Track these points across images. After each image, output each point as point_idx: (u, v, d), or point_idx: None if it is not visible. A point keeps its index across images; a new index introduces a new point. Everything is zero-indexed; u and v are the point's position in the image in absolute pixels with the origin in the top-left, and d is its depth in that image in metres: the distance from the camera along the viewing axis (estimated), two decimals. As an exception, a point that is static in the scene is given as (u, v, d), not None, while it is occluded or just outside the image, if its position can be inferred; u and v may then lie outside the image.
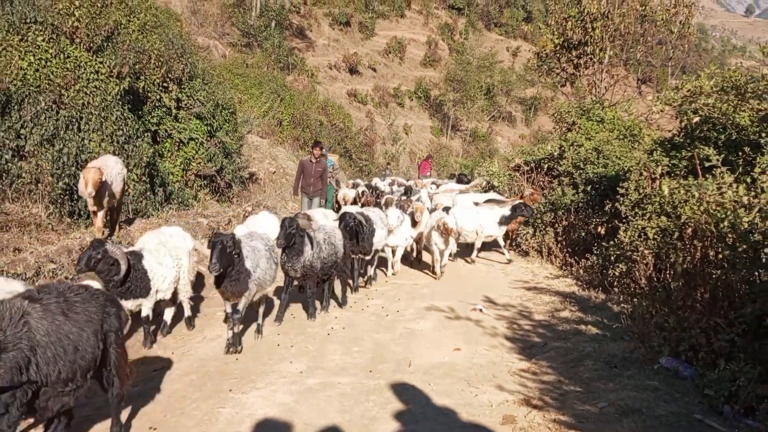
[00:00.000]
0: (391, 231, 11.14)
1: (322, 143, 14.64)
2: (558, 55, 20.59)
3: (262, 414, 5.42)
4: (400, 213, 11.42)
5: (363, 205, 17.05)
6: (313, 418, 5.32)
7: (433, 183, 20.63)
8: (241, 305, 7.01)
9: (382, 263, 11.90)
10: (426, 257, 12.55)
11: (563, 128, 16.95)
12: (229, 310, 7.12)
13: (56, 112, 10.86)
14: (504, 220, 12.61)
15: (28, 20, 11.23)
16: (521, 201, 12.91)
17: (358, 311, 9.10)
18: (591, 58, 19.55)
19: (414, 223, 11.77)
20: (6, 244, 8.58)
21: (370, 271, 11.08)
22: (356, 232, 9.57)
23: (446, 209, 12.51)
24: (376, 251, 10.93)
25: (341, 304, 9.30)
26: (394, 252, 11.75)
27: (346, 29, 57.02)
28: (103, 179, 9.07)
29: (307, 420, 5.29)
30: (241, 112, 21.90)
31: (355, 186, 19.95)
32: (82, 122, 11.24)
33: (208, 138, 15.45)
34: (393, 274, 11.78)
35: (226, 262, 6.55)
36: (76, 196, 10.60)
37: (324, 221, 10.14)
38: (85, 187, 8.87)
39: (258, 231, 8.36)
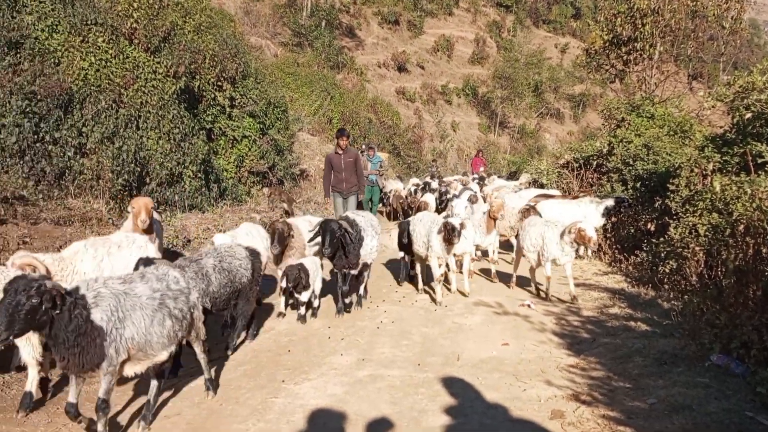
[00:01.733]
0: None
1: (347, 130, 12.37)
2: (607, 51, 20.34)
3: (314, 404, 5.53)
4: (468, 204, 10.29)
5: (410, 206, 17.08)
6: (364, 410, 5.41)
7: (474, 180, 20.38)
8: (104, 388, 4.54)
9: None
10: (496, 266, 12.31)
11: (612, 125, 16.76)
12: (72, 398, 4.58)
13: (116, 110, 11.23)
14: (607, 212, 12.36)
15: (88, 22, 11.62)
16: (619, 195, 12.66)
17: (407, 306, 9.18)
18: (641, 54, 19.27)
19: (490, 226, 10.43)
20: (69, 237, 8.90)
21: (361, 290, 9.37)
22: (341, 242, 8.23)
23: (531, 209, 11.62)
24: (366, 265, 9.15)
25: (229, 347, 7.15)
26: (459, 263, 9.90)
27: (394, 28, 57.04)
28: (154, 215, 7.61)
29: (358, 411, 5.37)
30: (293, 110, 22.22)
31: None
32: (141, 120, 11.59)
33: (261, 135, 15.76)
34: (460, 292, 9.73)
35: (26, 322, 4.05)
36: (135, 192, 10.95)
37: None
38: (137, 216, 7.35)
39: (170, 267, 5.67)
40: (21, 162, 9.96)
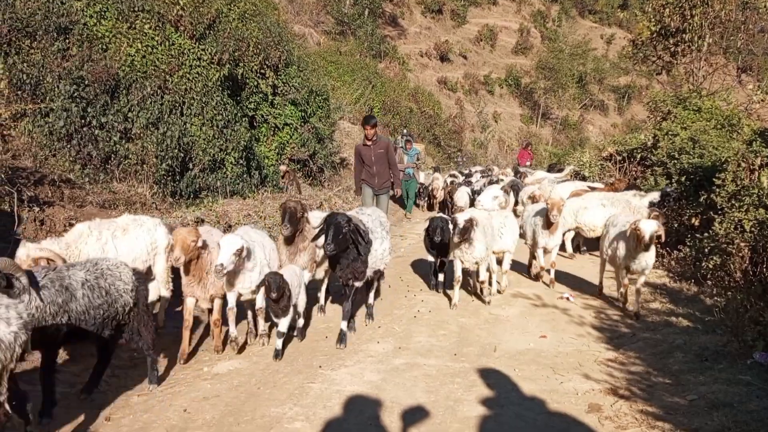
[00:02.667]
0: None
1: (375, 118, 10.68)
2: (654, 42, 19.90)
3: (350, 390, 5.57)
4: (503, 194, 9.77)
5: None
6: (400, 397, 5.44)
7: (499, 172, 19.99)
8: None
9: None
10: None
11: (658, 117, 16.49)
12: None
13: (161, 96, 11.40)
14: (651, 206, 12.12)
15: (136, 9, 11.81)
16: (663, 188, 12.37)
17: (444, 295, 9.17)
18: (689, 46, 18.81)
19: (548, 224, 9.23)
20: (114, 221, 9.09)
21: (371, 298, 8.07)
22: (353, 241, 6.80)
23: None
24: (378, 272, 7.88)
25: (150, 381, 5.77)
26: (500, 260, 9.21)
27: (437, 17, 56.70)
28: (200, 244, 6.25)
29: (394, 398, 5.40)
30: (334, 99, 22.27)
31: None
32: (185, 107, 11.76)
33: (302, 123, 15.87)
34: (499, 292, 9.15)
35: None
36: (178, 177, 11.13)
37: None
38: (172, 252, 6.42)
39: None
40: (68, 146, 10.20)
